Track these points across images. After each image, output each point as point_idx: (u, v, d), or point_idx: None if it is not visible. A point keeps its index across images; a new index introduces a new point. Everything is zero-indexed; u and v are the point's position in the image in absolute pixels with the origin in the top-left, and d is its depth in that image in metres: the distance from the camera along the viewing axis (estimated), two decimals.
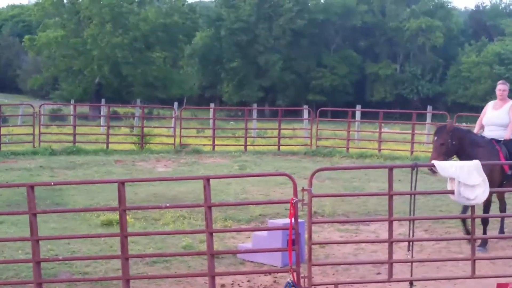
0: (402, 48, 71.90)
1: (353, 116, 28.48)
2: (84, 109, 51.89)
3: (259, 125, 32.82)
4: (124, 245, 8.14)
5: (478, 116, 11.67)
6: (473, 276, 8.43)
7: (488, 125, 10.97)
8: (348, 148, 24.03)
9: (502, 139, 10.76)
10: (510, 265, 9.82)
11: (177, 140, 24.25)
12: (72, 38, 55.19)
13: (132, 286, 8.59)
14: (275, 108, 31.68)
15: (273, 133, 29.52)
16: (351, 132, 25.75)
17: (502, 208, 11.26)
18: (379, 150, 23.61)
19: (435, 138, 10.35)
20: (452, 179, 8.40)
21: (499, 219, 11.57)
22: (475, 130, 11.19)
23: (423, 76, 70.67)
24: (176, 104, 35.04)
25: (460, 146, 10.30)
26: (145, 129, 25.52)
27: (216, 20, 69.77)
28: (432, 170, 9.07)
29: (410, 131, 23.96)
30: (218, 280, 8.87)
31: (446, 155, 10.12)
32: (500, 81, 11.32)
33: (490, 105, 11.20)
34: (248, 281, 9.18)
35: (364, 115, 32.61)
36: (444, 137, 10.24)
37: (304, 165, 20.62)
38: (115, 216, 11.73)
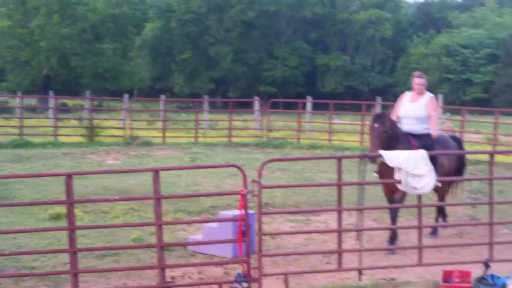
0: (352, 39, 72.51)
1: (304, 107, 28.63)
2: (32, 101, 51.07)
3: (210, 117, 32.75)
4: (72, 239, 8.06)
5: None
6: (420, 264, 8.59)
7: (405, 117, 10.55)
8: (299, 139, 24.19)
9: (419, 134, 10.47)
10: (456, 253, 10.02)
11: (127, 132, 24.07)
12: (18, 28, 54.12)
13: (81, 280, 8.50)
14: (226, 100, 31.66)
15: (224, 124, 29.50)
16: (302, 123, 25.90)
17: (440, 199, 11.28)
18: (330, 141, 23.82)
19: (376, 125, 9.89)
20: (399, 169, 8.54)
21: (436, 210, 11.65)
22: None
23: (373, 68, 71.43)
24: (126, 96, 34.61)
25: (389, 137, 10.00)
26: (94, 121, 25.26)
27: (166, 11, 69.28)
28: (372, 158, 9.10)
29: (360, 122, 24.21)
30: (169, 273, 8.85)
31: (385, 144, 9.72)
32: (417, 74, 10.88)
33: (406, 97, 10.80)
34: (199, 273, 9.18)
35: (315, 107, 32.76)
36: (386, 124, 9.94)
37: (255, 156, 20.68)
38: (63, 209, 11.59)
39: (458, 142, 11.63)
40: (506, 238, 10.78)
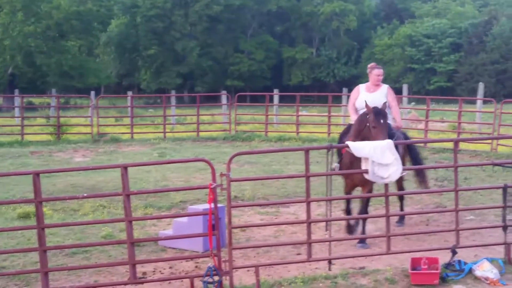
0: (317, 32, 72.73)
1: (271, 100, 28.65)
2: None
3: (178, 112, 32.63)
4: (41, 237, 7.97)
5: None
6: (388, 252, 8.65)
7: (364, 108, 9.92)
8: (266, 132, 24.20)
9: None
10: (423, 240, 10.12)
11: (95, 129, 23.88)
12: None
13: (51, 278, 8.43)
14: (193, 95, 31.56)
15: (192, 119, 29.42)
16: (269, 116, 25.91)
17: (399, 188, 11.12)
18: (297, 133, 23.87)
19: (382, 120, 9.29)
20: (366, 159, 8.58)
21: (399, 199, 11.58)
22: (354, 115, 10.30)
23: (339, 59, 71.73)
24: (93, 93, 34.38)
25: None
26: (61, 119, 25.02)
27: (131, 7, 68.79)
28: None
29: (327, 114, 24.29)
30: (140, 268, 8.81)
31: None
32: (374, 65, 10.71)
33: (362, 88, 10.61)
34: (170, 267, 9.15)
35: (282, 99, 32.84)
36: (387, 119, 9.61)
37: (224, 150, 20.67)
38: (32, 208, 11.46)
39: (403, 133, 11.52)
40: (472, 224, 10.93)
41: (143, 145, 22.29)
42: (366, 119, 9.46)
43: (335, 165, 9.96)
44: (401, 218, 11.26)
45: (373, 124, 9.30)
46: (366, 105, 9.51)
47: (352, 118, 10.31)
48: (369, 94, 10.43)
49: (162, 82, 67.19)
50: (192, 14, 66.94)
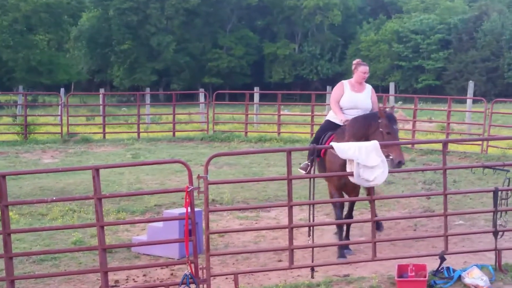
0: (300, 27, 72.89)
1: (251, 98, 28.66)
2: None
3: (153, 111, 32.56)
4: (6, 244, 7.91)
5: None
6: (374, 258, 8.67)
7: (351, 108, 10.16)
8: (246, 132, 24.20)
9: None
10: (410, 246, 10.16)
11: (65, 128, 23.76)
12: None
13: (18, 286, 8.38)
14: (169, 92, 31.50)
15: (168, 118, 29.40)
16: (249, 116, 25.92)
17: (370, 193, 10.87)
18: (279, 133, 23.88)
19: (395, 126, 9.37)
20: (351, 161, 8.59)
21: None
22: (341, 115, 10.20)
23: (322, 56, 71.91)
24: (62, 90, 34.17)
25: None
26: (29, 118, 24.85)
27: None
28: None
29: (310, 113, 24.31)
30: (112, 276, 8.78)
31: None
32: (360, 61, 10.56)
33: (346, 86, 10.40)
34: (144, 275, 9.12)
35: (262, 98, 32.83)
36: None
37: (201, 151, 20.66)
38: None
39: None
40: (461, 230, 10.98)
41: (116, 146, 22.22)
42: (377, 123, 9.33)
43: (305, 163, 9.96)
44: (378, 225, 10.97)
45: (387, 130, 9.25)
46: (379, 109, 9.41)
47: (339, 117, 10.17)
48: (355, 94, 10.28)
49: (136, 79, 67.00)
50: (168, 7, 66.81)
